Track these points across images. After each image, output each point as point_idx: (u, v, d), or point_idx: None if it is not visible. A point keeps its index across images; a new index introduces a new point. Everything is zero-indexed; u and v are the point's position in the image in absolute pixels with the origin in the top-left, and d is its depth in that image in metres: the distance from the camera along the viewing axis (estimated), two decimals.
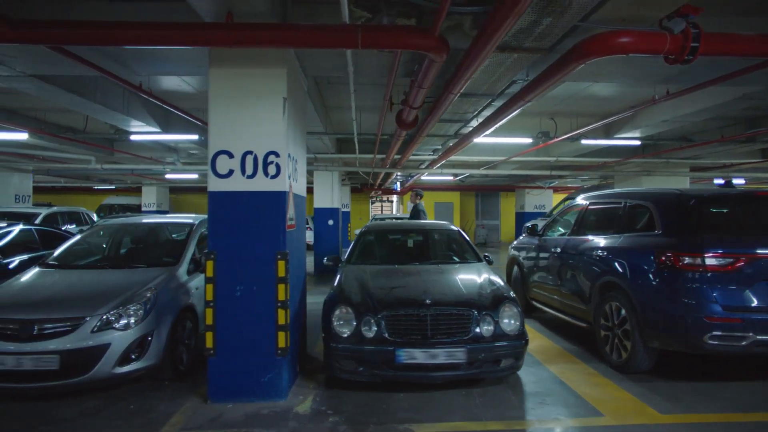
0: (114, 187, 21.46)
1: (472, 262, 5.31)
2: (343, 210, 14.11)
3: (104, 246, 5.63)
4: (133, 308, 4.10)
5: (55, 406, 3.89)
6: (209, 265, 3.93)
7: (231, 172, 3.95)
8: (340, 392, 4.14)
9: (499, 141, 8.57)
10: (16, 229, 6.48)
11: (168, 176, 16.17)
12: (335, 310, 4.10)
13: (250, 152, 3.95)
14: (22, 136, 8.45)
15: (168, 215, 6.90)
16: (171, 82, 7.25)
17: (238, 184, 3.95)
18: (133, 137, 8.48)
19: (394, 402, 3.94)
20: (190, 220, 5.73)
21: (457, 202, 22.63)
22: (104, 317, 3.96)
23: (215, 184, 3.95)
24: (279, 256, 3.96)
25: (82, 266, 5.12)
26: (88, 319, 3.92)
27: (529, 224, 7.09)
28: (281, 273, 3.96)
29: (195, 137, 8.46)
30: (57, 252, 5.23)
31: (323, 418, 3.67)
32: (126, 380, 4.15)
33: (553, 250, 6.12)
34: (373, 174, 14.62)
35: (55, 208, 11.02)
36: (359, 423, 3.58)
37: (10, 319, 3.87)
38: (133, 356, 4.03)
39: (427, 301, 4.06)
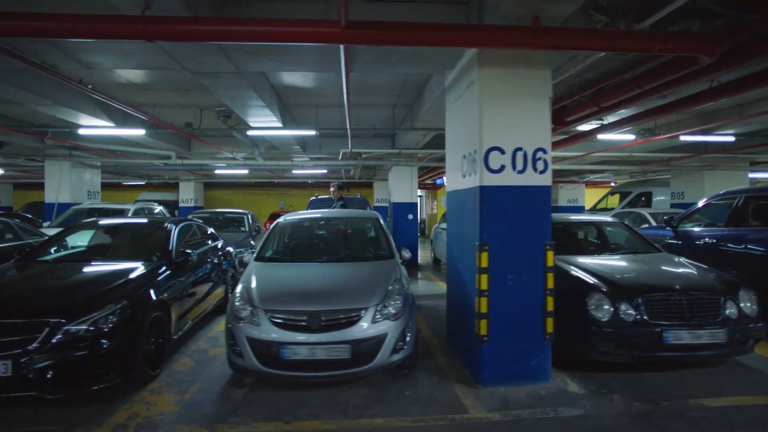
0: (144, 182, 21.16)
1: (656, 252, 5.63)
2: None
3: (298, 240, 5.75)
4: (394, 299, 4.28)
5: (335, 394, 4.06)
6: (484, 256, 4.15)
7: (502, 167, 4.16)
8: (590, 374, 4.40)
9: (604, 137, 8.89)
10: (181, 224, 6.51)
11: (218, 171, 16.08)
12: (589, 296, 4.35)
13: (520, 149, 4.17)
14: (140, 131, 8.42)
15: (344, 210, 7.01)
16: (293, 78, 7.33)
17: (508, 178, 4.16)
18: (251, 132, 8.52)
19: (652, 381, 4.24)
20: (373, 214, 5.88)
21: None
22: (379, 308, 4.13)
23: (488, 179, 4.16)
24: (547, 247, 4.20)
25: (306, 260, 5.23)
26: (366, 310, 4.08)
27: (665, 217, 7.46)
28: (549, 263, 4.20)
29: (314, 132, 8.56)
30: (261, 247, 5.33)
31: (608, 397, 3.94)
32: (392, 368, 4.32)
33: (703, 241, 6.48)
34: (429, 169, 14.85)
35: (138, 205, 10.94)
36: (648, 399, 3.87)
37: (299, 311, 4.02)
38: (399, 345, 4.21)
39: (677, 286, 4.36)
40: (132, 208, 10.41)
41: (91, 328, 3.77)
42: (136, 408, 3.80)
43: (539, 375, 4.22)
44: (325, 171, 16.32)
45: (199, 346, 5.42)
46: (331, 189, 8.26)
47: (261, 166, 12.74)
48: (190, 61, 4.80)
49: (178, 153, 11.48)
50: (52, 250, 5.51)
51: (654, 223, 9.55)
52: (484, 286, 4.15)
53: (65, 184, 11.52)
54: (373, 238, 5.68)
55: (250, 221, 10.83)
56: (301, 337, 3.92)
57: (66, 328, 3.69)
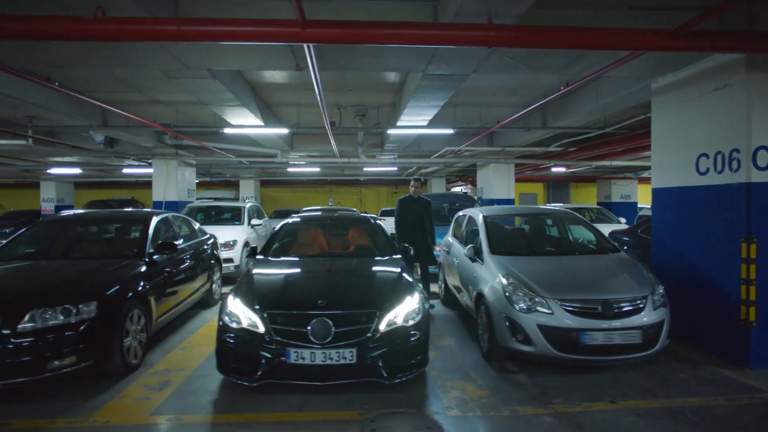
0: (197, 181, 21.28)
1: None
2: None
3: (514, 235, 6.02)
4: (658, 288, 4.57)
5: (614, 378, 4.35)
6: (752, 247, 4.45)
7: None
8: None
9: None
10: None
11: (290, 170, 16.28)
12: None
13: None
14: (283, 131, 8.65)
15: (542, 206, 7.27)
16: None
17: None
18: (391, 131, 8.76)
19: None
20: (568, 211, 6.16)
21: (540, 192, 23.43)
22: (653, 296, 4.42)
23: (756, 176, 4.46)
24: None
25: (539, 253, 5.51)
26: (646, 298, 4.37)
27: None
28: None
29: (451, 131, 8.82)
30: (490, 242, 5.56)
31: None
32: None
33: None
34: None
35: (251, 203, 11.17)
36: None
37: (593, 299, 4.30)
38: (668, 331, 4.49)
39: None
40: (246, 206, 10.62)
41: (403, 319, 4.02)
42: (453, 393, 4.06)
43: None
44: (395, 168, 16.59)
45: None
46: (412, 186, 6.96)
47: (360, 164, 12.98)
48: (441, 63, 5.05)
49: (283, 151, 11.70)
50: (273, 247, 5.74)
51: None
52: (752, 275, 4.45)
53: (172, 183, 11.71)
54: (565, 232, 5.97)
55: None
56: (598, 323, 4.20)
57: (387, 318, 3.95)
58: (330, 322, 3.77)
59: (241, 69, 5.75)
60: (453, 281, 6.59)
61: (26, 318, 3.77)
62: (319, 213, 9.78)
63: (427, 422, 3.54)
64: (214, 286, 7.31)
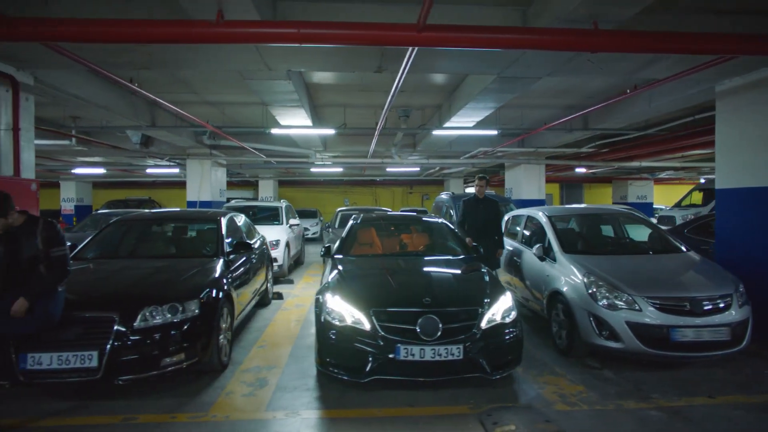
0: None
1: None
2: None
3: (578, 234, 6.12)
4: (740, 286, 4.67)
5: (698, 375, 4.43)
6: None
7: None
8: None
9: None
10: None
11: (313, 170, 16.35)
12: None
13: None
14: (330, 131, 8.72)
15: (602, 205, 7.36)
16: None
17: None
18: (436, 132, 8.85)
19: None
20: (624, 211, 6.27)
21: (556, 193, 23.58)
22: (737, 294, 4.53)
23: None
24: None
25: (608, 252, 5.64)
26: (732, 296, 4.47)
27: None
28: None
29: (495, 132, 8.91)
30: (560, 241, 5.63)
31: None
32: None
33: None
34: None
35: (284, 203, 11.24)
36: None
37: (681, 297, 4.40)
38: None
39: None
40: (283, 205, 10.68)
41: (501, 316, 4.10)
42: (549, 388, 4.15)
43: None
44: (417, 169, 16.69)
45: None
46: (477, 185, 6.46)
47: (384, 164, 13.05)
48: (522, 66, 5.14)
49: (317, 151, 11.77)
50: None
51: None
52: None
53: (206, 183, 11.75)
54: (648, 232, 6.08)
55: None
56: (689, 320, 4.29)
57: (487, 316, 4.03)
58: (437, 320, 3.85)
59: (321, 70, 5.84)
60: (505, 278, 6.70)
61: (139, 317, 3.84)
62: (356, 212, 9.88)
63: (542, 416, 3.62)
64: (268, 285, 7.39)
